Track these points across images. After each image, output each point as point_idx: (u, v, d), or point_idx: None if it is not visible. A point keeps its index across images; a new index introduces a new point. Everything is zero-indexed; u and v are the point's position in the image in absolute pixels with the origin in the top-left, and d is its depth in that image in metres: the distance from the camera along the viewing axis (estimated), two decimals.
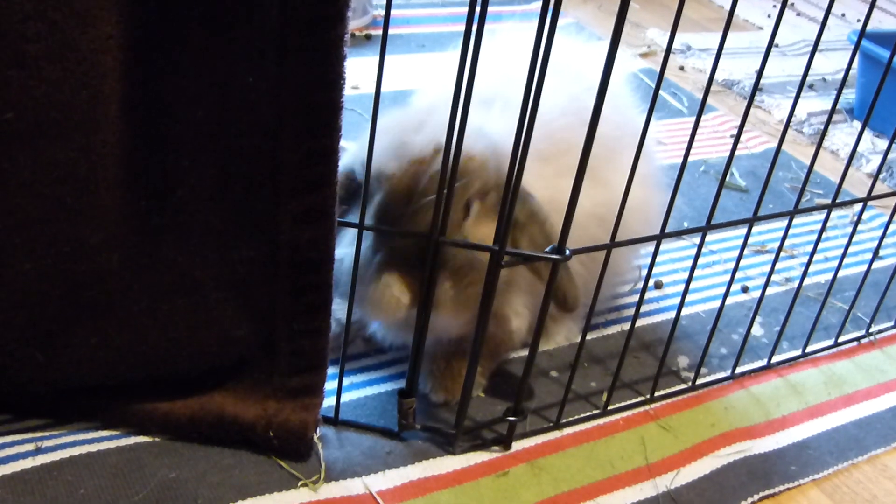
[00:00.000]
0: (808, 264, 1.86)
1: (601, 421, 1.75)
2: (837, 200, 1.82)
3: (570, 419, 1.73)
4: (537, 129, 1.33)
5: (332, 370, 1.57)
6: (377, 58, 1.36)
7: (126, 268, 1.40)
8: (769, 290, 1.88)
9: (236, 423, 1.53)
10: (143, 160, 1.33)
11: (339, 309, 1.56)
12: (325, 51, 1.27)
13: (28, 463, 1.46)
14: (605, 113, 1.35)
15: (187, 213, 1.38)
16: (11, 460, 1.46)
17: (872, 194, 1.90)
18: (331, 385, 1.59)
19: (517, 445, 1.66)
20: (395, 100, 1.81)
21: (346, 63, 1.30)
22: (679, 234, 1.72)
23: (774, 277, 2.12)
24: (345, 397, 1.69)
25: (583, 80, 1.74)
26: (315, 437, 1.56)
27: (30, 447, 1.49)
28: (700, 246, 1.69)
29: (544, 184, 1.59)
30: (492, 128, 1.57)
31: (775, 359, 1.97)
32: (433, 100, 1.80)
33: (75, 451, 1.49)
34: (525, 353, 1.85)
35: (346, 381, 1.72)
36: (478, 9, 1.25)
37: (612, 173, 1.69)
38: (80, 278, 1.38)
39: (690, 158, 1.62)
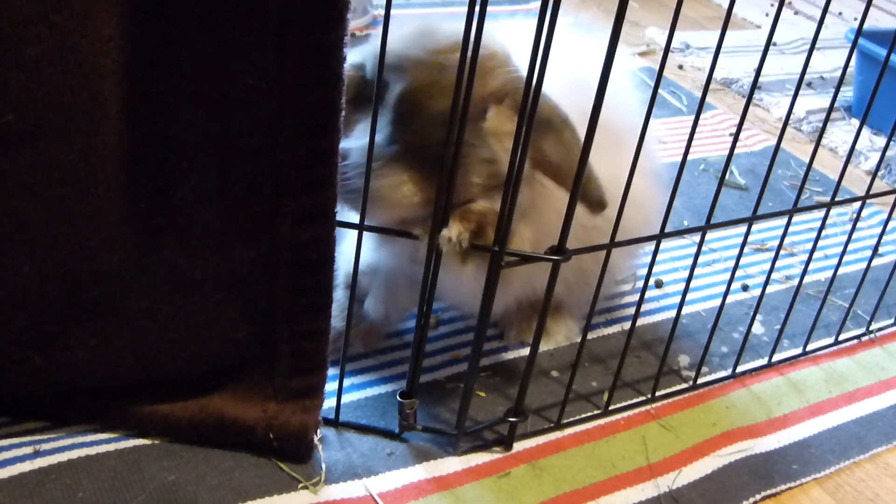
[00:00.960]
0: (807, 262, 1.86)
1: (602, 421, 1.75)
2: (836, 198, 1.82)
3: (571, 419, 1.73)
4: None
5: (332, 371, 1.56)
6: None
7: (126, 269, 1.40)
8: (769, 289, 1.88)
9: (236, 424, 1.52)
10: (143, 161, 1.33)
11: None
12: (325, 52, 1.27)
13: (26, 466, 1.45)
14: (610, 103, 1.34)
15: (187, 213, 1.38)
16: (9, 463, 1.45)
17: (871, 192, 1.90)
18: (331, 386, 1.59)
19: (518, 446, 1.66)
20: None
21: (345, 64, 1.30)
22: (679, 233, 1.72)
23: (774, 275, 2.12)
24: (345, 398, 1.69)
25: (585, 78, 1.73)
26: (315, 439, 1.56)
27: (28, 450, 1.48)
28: (700, 245, 1.68)
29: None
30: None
31: (776, 357, 1.97)
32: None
33: (74, 453, 1.49)
34: (525, 352, 1.85)
35: (346, 382, 1.72)
36: (477, 8, 1.25)
37: (616, 156, 1.67)
38: (79, 279, 1.38)
39: (690, 157, 1.62)
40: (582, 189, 1.44)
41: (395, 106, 1.43)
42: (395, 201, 1.43)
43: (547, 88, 1.32)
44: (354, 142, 1.46)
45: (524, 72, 1.31)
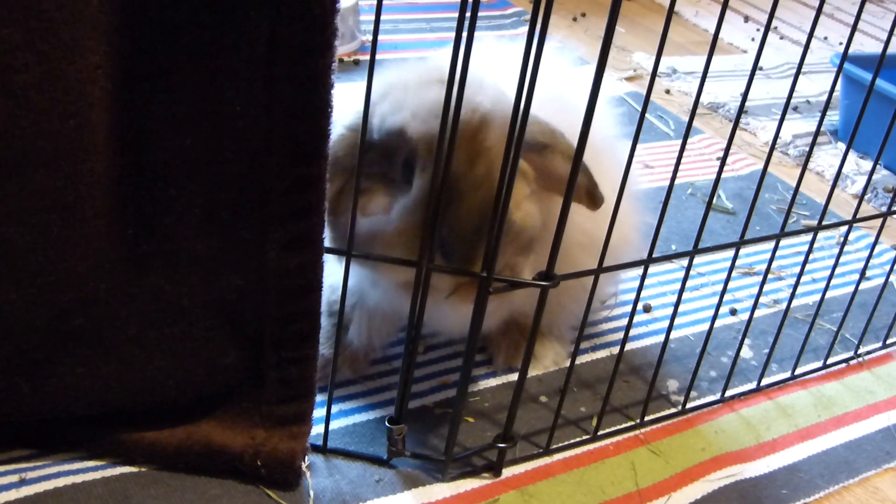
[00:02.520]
0: (795, 286, 1.87)
1: (591, 446, 1.75)
2: (824, 222, 1.83)
3: (560, 445, 1.72)
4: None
5: (320, 398, 1.56)
6: (365, 83, 1.36)
7: (113, 296, 1.40)
8: (757, 313, 1.88)
9: (224, 452, 1.52)
10: (130, 188, 1.33)
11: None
12: (313, 79, 1.27)
13: (12, 495, 1.44)
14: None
15: (175, 240, 1.38)
16: None
17: (858, 216, 1.90)
18: (319, 413, 1.58)
19: (507, 472, 1.65)
20: None
21: (333, 91, 1.30)
22: (667, 258, 1.72)
23: (762, 300, 2.12)
24: (333, 425, 1.68)
25: (565, 98, 1.74)
26: (303, 466, 1.55)
27: (14, 478, 1.48)
28: (688, 269, 1.69)
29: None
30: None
31: (765, 381, 1.97)
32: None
33: (60, 482, 1.48)
34: (513, 377, 1.85)
35: (334, 409, 1.71)
36: (464, 34, 1.25)
37: (598, 162, 1.67)
38: (66, 307, 1.37)
39: (677, 181, 1.62)
40: (581, 188, 1.45)
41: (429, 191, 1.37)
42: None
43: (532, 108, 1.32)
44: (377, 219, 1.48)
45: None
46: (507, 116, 1.32)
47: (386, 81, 1.54)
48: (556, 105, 1.62)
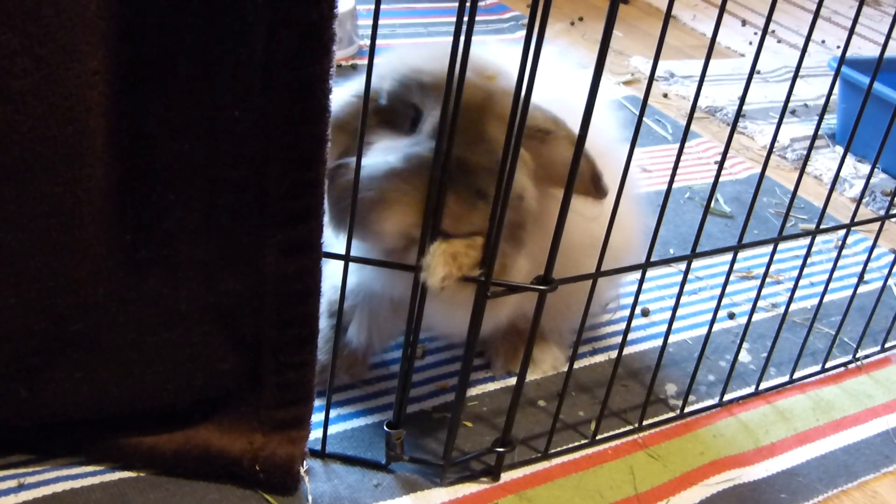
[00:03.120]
0: (793, 290, 1.87)
1: (590, 451, 1.75)
2: (822, 226, 1.83)
3: (559, 449, 1.72)
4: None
5: (318, 402, 1.56)
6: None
7: (111, 301, 1.40)
8: (756, 316, 1.88)
9: (222, 456, 1.52)
10: (128, 193, 1.33)
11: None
12: (311, 84, 1.28)
13: (10, 500, 1.44)
14: (590, 133, 1.35)
15: (173, 245, 1.38)
16: None
17: (856, 219, 1.91)
18: (317, 417, 1.58)
19: (506, 476, 1.65)
20: None
21: (331, 96, 1.30)
22: (665, 262, 1.72)
23: (761, 303, 2.12)
24: (332, 429, 1.68)
25: (565, 99, 1.74)
26: (302, 471, 1.55)
27: (12, 483, 1.47)
28: (686, 273, 1.69)
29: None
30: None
31: (763, 385, 1.97)
32: None
33: (59, 487, 1.48)
34: (512, 382, 1.85)
35: (332, 413, 1.71)
36: (462, 38, 1.25)
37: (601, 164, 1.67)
38: (65, 312, 1.37)
39: (675, 185, 1.62)
40: (585, 176, 1.45)
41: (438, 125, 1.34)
42: (388, 233, 1.42)
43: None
44: (372, 158, 1.43)
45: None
46: (512, 91, 1.31)
47: (396, 55, 1.53)
48: (558, 107, 1.62)
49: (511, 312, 1.68)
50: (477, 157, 1.39)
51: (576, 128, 1.34)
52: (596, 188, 1.51)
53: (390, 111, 1.50)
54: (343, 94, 1.54)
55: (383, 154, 1.43)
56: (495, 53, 1.84)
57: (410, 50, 1.45)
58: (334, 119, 1.36)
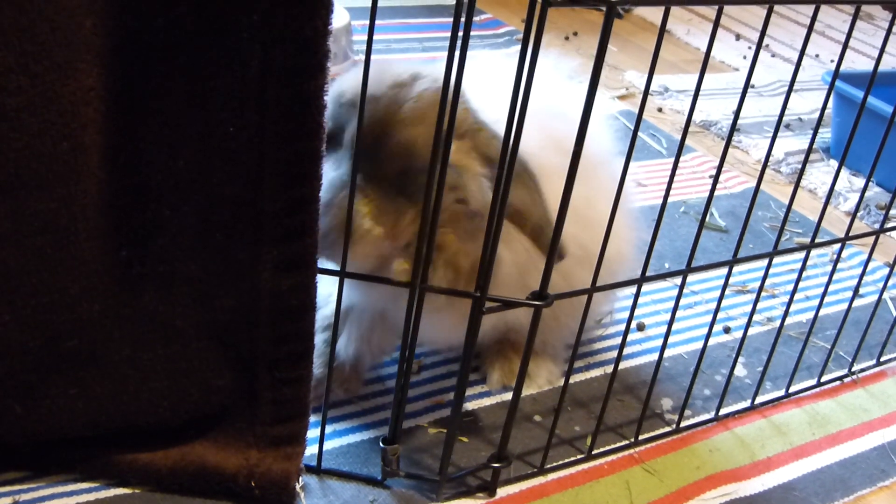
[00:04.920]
0: (789, 304, 1.87)
1: (586, 466, 1.74)
2: (817, 240, 1.83)
3: (555, 464, 1.72)
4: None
5: (314, 418, 1.55)
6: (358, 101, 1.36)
7: (106, 317, 1.40)
8: (751, 331, 1.88)
9: (218, 473, 1.51)
10: (123, 210, 1.33)
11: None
12: (306, 100, 1.28)
13: None
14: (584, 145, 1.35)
15: (168, 262, 1.38)
16: None
17: (851, 233, 1.91)
18: (313, 433, 1.58)
19: (502, 492, 1.65)
20: None
21: (326, 112, 1.30)
22: (660, 277, 1.73)
23: (756, 317, 2.12)
24: (327, 445, 1.67)
25: (559, 108, 1.74)
26: (297, 487, 1.55)
27: (7, 501, 1.47)
28: (681, 288, 1.69)
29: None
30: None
31: (759, 399, 1.97)
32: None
33: (54, 503, 1.47)
34: (507, 396, 1.85)
35: (328, 429, 1.70)
36: (457, 53, 1.25)
37: (593, 173, 1.68)
38: (59, 328, 1.37)
39: (670, 199, 1.62)
40: (542, 237, 1.47)
41: (353, 140, 1.43)
42: (357, 236, 1.44)
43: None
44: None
45: (479, 110, 1.37)
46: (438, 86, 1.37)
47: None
48: (550, 113, 1.63)
49: (497, 321, 1.67)
50: (386, 167, 1.44)
51: (571, 138, 1.34)
52: (536, 241, 1.53)
53: (331, 135, 1.52)
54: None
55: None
56: (488, 64, 1.86)
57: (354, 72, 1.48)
58: None
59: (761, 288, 1.80)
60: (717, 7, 1.47)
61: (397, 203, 1.45)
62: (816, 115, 3.25)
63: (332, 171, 1.46)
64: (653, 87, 3.55)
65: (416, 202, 1.43)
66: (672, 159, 1.57)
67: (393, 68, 1.49)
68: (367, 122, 1.41)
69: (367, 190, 1.45)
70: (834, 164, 3.22)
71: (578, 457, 1.75)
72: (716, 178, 1.60)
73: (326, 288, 1.59)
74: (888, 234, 2.66)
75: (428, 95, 1.44)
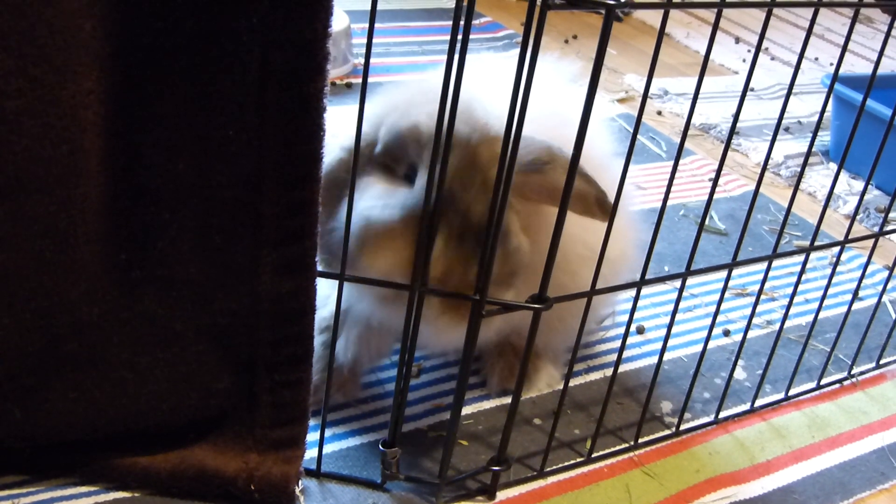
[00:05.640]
0: (788, 307, 1.87)
1: (585, 469, 1.74)
2: (816, 243, 1.83)
3: (555, 467, 1.72)
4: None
5: (313, 421, 1.55)
6: (357, 106, 1.36)
7: (106, 321, 1.40)
8: (751, 334, 1.88)
9: (217, 476, 1.51)
10: (123, 213, 1.33)
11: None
12: (305, 103, 1.28)
13: None
14: (585, 147, 1.35)
15: (167, 265, 1.38)
16: None
17: (850, 236, 1.91)
18: (312, 436, 1.58)
19: (501, 495, 1.65)
20: None
21: (325, 114, 1.30)
22: (660, 280, 1.72)
23: (756, 320, 2.12)
24: (327, 448, 1.67)
25: (561, 112, 1.74)
26: (297, 490, 1.54)
27: None
28: (681, 291, 1.69)
29: None
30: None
31: (758, 402, 1.97)
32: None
33: None
34: (507, 400, 1.85)
35: (328, 433, 1.70)
36: (456, 56, 1.25)
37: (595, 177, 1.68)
38: (59, 332, 1.37)
39: (669, 202, 1.62)
40: (590, 199, 1.46)
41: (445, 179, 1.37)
42: (382, 255, 1.43)
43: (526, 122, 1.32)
44: (368, 202, 1.47)
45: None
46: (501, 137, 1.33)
47: (389, 100, 1.56)
48: (557, 120, 1.62)
49: (501, 328, 1.67)
50: (478, 208, 1.42)
51: (571, 143, 1.35)
52: (601, 209, 1.50)
53: (385, 160, 1.53)
54: (333, 149, 1.56)
55: (378, 200, 1.46)
56: (490, 66, 1.86)
57: (407, 96, 1.46)
58: (326, 174, 1.38)
59: (761, 291, 1.80)
60: (716, 10, 1.47)
61: (465, 250, 1.42)
62: (816, 118, 3.27)
63: (406, 200, 1.43)
64: (652, 90, 3.55)
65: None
66: (671, 162, 1.57)
67: (487, 113, 1.46)
68: (460, 163, 1.42)
69: (448, 240, 1.41)
70: (833, 167, 3.22)
71: (578, 460, 1.75)
72: (715, 181, 1.60)
73: (324, 290, 1.59)
74: (887, 237, 2.66)
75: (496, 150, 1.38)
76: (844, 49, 1.65)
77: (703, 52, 4.17)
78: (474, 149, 1.45)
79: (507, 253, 1.44)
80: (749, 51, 4.37)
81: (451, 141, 1.32)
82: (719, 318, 1.85)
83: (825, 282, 1.96)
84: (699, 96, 1.49)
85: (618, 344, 1.79)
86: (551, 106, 1.68)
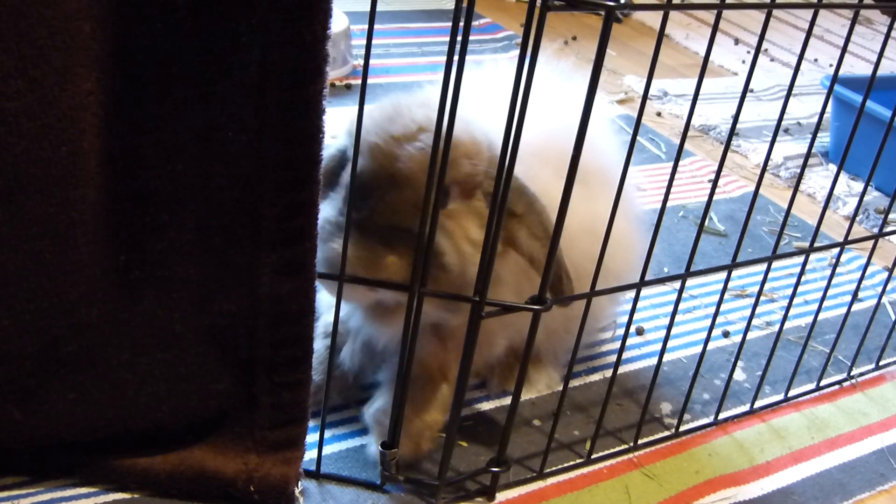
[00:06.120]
0: (787, 308, 1.87)
1: (585, 470, 1.74)
2: (815, 244, 1.83)
3: (554, 469, 1.72)
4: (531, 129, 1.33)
5: (313, 422, 1.55)
6: (357, 107, 1.36)
7: (105, 322, 1.39)
8: (750, 335, 1.88)
9: (217, 477, 1.51)
10: (122, 214, 1.33)
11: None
12: (304, 105, 1.28)
13: None
14: (590, 146, 1.35)
15: (167, 266, 1.38)
16: None
17: (850, 237, 1.91)
18: (312, 437, 1.58)
19: (501, 496, 1.65)
20: None
21: (325, 116, 1.30)
22: (659, 281, 1.72)
23: (755, 321, 2.12)
24: (326, 450, 1.67)
25: (568, 100, 1.75)
26: (297, 492, 1.54)
27: None
28: (680, 292, 1.69)
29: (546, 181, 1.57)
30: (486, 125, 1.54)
31: (758, 403, 1.97)
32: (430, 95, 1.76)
33: None
34: (507, 401, 1.85)
35: (327, 434, 1.70)
36: (456, 57, 1.26)
37: (602, 187, 1.68)
38: (58, 333, 1.37)
39: (669, 204, 1.62)
40: (552, 281, 1.47)
41: (352, 190, 1.43)
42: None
43: (526, 132, 1.32)
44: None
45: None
46: (466, 147, 1.44)
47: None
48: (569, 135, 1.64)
49: (515, 334, 1.68)
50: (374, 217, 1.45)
51: (588, 161, 1.35)
52: (560, 300, 1.52)
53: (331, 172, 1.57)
54: (331, 149, 1.58)
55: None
56: (491, 71, 1.86)
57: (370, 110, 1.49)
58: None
59: (760, 292, 1.80)
60: (715, 11, 1.47)
61: (377, 251, 1.45)
62: (815, 119, 3.26)
63: (324, 211, 1.47)
64: (652, 91, 3.55)
65: (397, 252, 1.45)
66: (671, 163, 1.57)
67: (406, 114, 1.48)
68: (367, 173, 1.45)
69: (355, 234, 1.45)
70: (833, 168, 3.22)
71: (578, 461, 1.75)
72: (715, 183, 1.60)
73: (329, 296, 1.59)
74: (887, 238, 2.65)
75: (420, 157, 1.42)
76: (844, 50, 1.66)
77: (702, 53, 4.16)
78: (381, 162, 1.46)
79: (439, 271, 1.46)
80: (748, 52, 4.37)
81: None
82: (719, 320, 1.84)
83: (825, 283, 1.96)
84: (699, 97, 1.49)
85: (617, 345, 1.79)
86: (567, 120, 1.69)
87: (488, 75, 1.86)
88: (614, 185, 1.53)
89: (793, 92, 1.60)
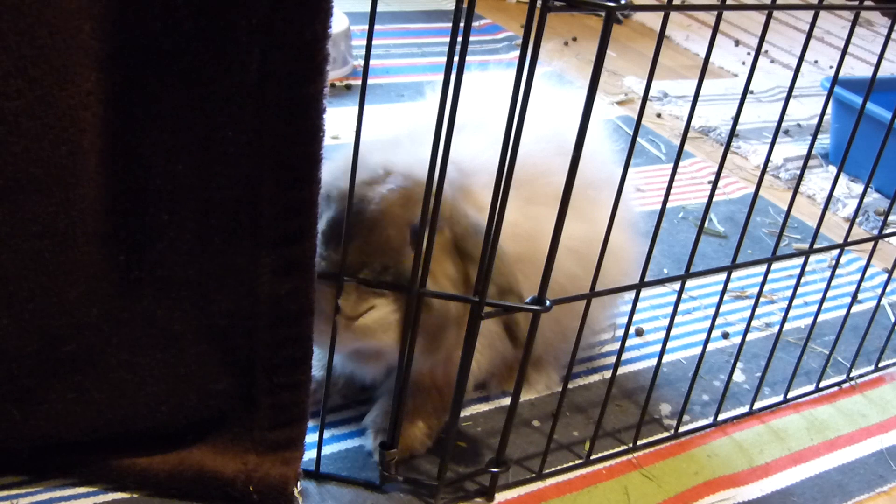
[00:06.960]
0: (787, 309, 1.87)
1: (584, 471, 1.74)
2: (815, 245, 1.83)
3: (553, 469, 1.72)
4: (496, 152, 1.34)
5: (312, 423, 1.55)
6: (357, 108, 1.36)
7: (105, 322, 1.39)
8: (750, 336, 1.88)
9: (216, 478, 1.51)
10: (122, 214, 1.33)
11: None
12: (304, 105, 1.28)
13: None
14: (587, 155, 1.35)
15: (166, 266, 1.38)
16: None
17: (849, 239, 1.91)
18: (311, 438, 1.57)
19: (500, 497, 1.65)
20: None
21: (325, 116, 1.30)
22: (659, 282, 1.72)
23: (755, 323, 2.12)
24: (325, 450, 1.68)
25: (560, 113, 1.75)
26: (296, 492, 1.54)
27: None
28: (680, 293, 1.69)
29: (514, 208, 1.54)
30: (460, 153, 1.55)
31: (757, 405, 1.97)
32: (401, 130, 1.78)
33: None
34: (506, 402, 1.85)
35: (326, 434, 1.70)
36: (456, 58, 1.26)
37: (592, 209, 1.69)
38: (58, 333, 1.37)
39: (669, 205, 1.62)
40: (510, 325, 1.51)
41: (323, 233, 1.47)
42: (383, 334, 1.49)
43: (525, 137, 1.32)
44: None
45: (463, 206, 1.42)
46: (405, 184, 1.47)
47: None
48: (556, 144, 1.64)
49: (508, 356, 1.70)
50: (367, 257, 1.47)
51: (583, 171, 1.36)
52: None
53: None
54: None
55: None
56: (488, 78, 1.86)
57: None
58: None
59: (760, 293, 1.80)
60: (716, 13, 1.47)
61: (359, 292, 1.46)
62: (815, 120, 3.26)
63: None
64: (652, 92, 3.55)
65: (379, 294, 1.47)
66: (671, 165, 1.57)
67: (369, 160, 1.50)
68: (337, 217, 1.48)
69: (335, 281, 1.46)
70: (833, 169, 3.22)
71: (577, 462, 1.75)
72: (714, 184, 1.60)
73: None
74: (887, 239, 2.66)
75: (391, 197, 1.46)
76: (844, 52, 1.66)
77: (702, 54, 4.16)
78: (358, 197, 1.46)
79: (422, 311, 1.47)
80: (749, 53, 4.37)
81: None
82: (718, 321, 1.84)
83: (824, 284, 1.96)
84: (699, 99, 1.49)
85: (617, 346, 1.79)
86: (559, 128, 1.69)
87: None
88: (604, 198, 1.54)
89: (793, 93, 1.60)
